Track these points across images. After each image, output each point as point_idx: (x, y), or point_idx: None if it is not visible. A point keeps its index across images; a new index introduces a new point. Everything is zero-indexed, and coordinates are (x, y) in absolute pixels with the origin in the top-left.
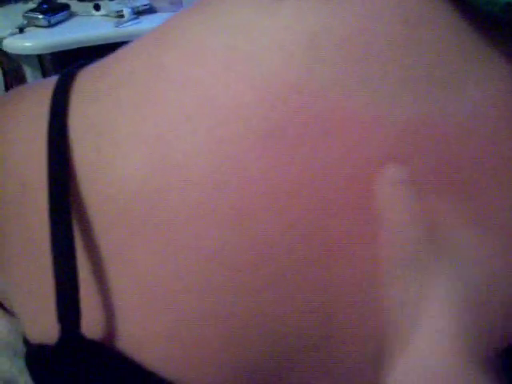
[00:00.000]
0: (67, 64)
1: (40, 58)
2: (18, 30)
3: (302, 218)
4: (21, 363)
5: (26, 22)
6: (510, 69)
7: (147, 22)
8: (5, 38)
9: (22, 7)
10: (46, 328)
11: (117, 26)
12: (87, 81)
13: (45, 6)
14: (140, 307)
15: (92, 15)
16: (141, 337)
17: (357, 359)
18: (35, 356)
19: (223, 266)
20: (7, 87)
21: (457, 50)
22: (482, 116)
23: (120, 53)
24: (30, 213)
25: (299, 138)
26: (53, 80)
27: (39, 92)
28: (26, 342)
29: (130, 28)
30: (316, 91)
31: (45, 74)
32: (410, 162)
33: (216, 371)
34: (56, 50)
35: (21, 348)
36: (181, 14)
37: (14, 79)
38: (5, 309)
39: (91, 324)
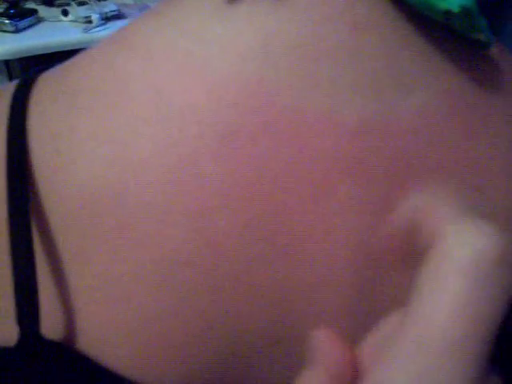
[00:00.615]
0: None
1: (7, 63)
2: None
3: (257, 219)
4: None
5: None
6: (456, 70)
7: (116, 28)
8: None
9: None
10: (6, 330)
11: (85, 32)
12: (46, 85)
13: (12, 11)
14: (100, 306)
15: (60, 20)
16: (101, 336)
17: None
18: None
19: (181, 265)
20: None
21: (404, 53)
22: (430, 114)
23: (79, 57)
24: None
25: (253, 140)
26: (12, 85)
27: None
28: None
29: (98, 34)
30: (268, 95)
31: (12, 80)
32: (363, 161)
33: (179, 369)
34: (23, 55)
35: None
36: (139, 20)
37: None
38: None
39: (52, 325)
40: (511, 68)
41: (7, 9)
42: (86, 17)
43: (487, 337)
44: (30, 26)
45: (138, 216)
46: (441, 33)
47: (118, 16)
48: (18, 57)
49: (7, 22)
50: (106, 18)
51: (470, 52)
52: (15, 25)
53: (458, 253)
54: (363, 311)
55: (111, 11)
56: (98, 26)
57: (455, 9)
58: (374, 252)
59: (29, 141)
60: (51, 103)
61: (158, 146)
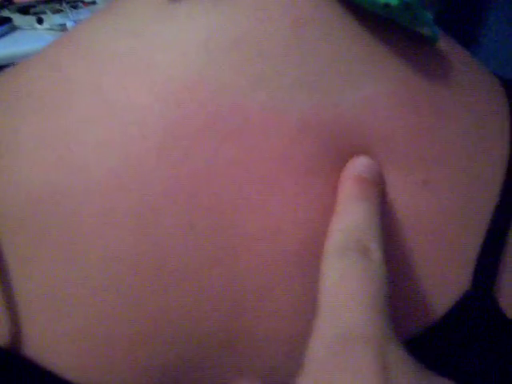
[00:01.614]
0: None
1: None
2: None
3: (204, 219)
4: None
5: None
6: (403, 64)
7: None
8: None
9: None
10: None
11: None
12: None
13: None
14: (46, 311)
15: (35, 29)
16: (48, 341)
17: (270, 356)
18: None
19: (127, 267)
20: None
21: (350, 48)
22: (377, 108)
23: (27, 60)
24: None
25: (196, 140)
26: None
27: None
28: None
29: None
30: (211, 94)
31: None
32: (309, 158)
33: (125, 373)
34: None
35: None
36: (86, 21)
37: None
38: None
39: None
40: (461, 61)
41: None
42: (61, 24)
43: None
44: (4, 35)
45: (82, 218)
46: (387, 28)
47: None
48: None
49: None
50: None
51: (417, 46)
52: None
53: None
54: (312, 310)
55: (86, 18)
56: None
57: (394, 2)
58: (320, 249)
59: None
60: None
61: (99, 147)
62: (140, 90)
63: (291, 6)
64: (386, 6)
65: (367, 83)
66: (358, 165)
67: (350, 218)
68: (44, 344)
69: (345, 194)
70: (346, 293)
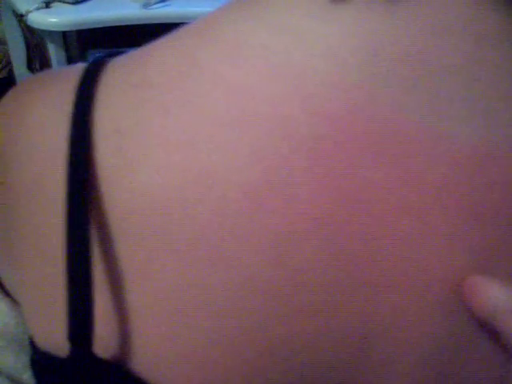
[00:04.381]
0: (92, 42)
1: (64, 34)
2: (44, 5)
3: (347, 250)
4: (26, 358)
5: None
6: None
7: (176, 6)
8: (30, 12)
9: None
10: (55, 339)
11: (144, 8)
12: (116, 74)
13: None
14: (158, 326)
15: None
16: (156, 357)
17: None
18: (43, 364)
19: (254, 293)
20: (30, 62)
21: None
22: None
23: (154, 46)
24: (43, 210)
25: (354, 160)
26: (79, 68)
27: (64, 80)
28: (32, 343)
29: (157, 11)
30: (374, 111)
31: (68, 51)
32: (474, 198)
33: None
34: (81, 27)
35: (27, 342)
36: (225, 8)
37: (38, 55)
38: (14, 300)
39: (104, 341)
40: None
41: None
42: None
43: None
44: None
45: (212, 233)
46: None
47: None
48: (75, 28)
49: None
50: None
51: None
52: None
53: None
54: (444, 364)
55: None
56: (157, 3)
57: None
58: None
59: (92, 134)
60: (120, 96)
61: (239, 156)
62: (290, 97)
63: (476, 20)
64: None
65: None
66: None
67: None
68: (152, 361)
69: None
70: None
